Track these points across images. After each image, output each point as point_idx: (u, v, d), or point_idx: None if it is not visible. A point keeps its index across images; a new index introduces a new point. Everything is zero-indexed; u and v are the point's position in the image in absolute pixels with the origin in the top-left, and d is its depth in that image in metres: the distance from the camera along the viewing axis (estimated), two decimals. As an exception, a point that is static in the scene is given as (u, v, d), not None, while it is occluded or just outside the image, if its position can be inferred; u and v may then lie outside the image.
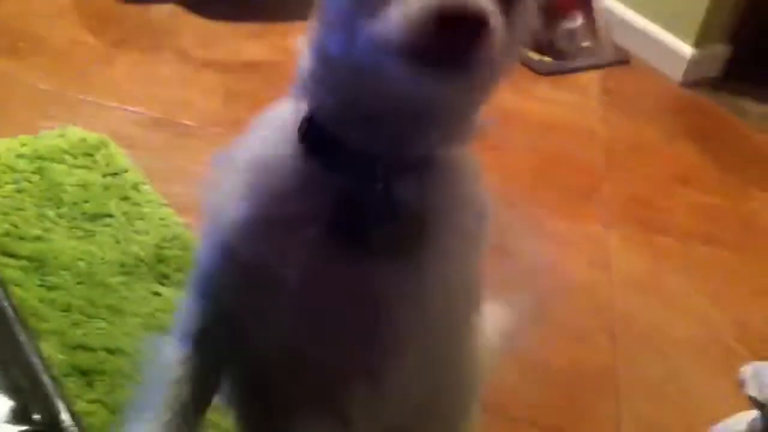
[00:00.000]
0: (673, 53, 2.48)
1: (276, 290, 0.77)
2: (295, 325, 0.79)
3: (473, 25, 0.62)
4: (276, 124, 0.79)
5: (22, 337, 0.79)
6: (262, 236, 0.77)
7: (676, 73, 2.47)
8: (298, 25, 0.77)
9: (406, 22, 0.62)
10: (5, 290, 0.82)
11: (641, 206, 2.01)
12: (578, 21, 2.47)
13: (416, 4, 0.62)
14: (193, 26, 2.29)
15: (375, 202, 0.74)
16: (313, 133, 0.75)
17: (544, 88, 2.37)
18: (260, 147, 0.79)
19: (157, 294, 1.38)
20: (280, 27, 2.28)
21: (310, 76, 0.74)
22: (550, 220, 1.90)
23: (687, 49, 2.45)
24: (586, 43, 2.50)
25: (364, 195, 0.74)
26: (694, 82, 2.48)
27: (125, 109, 1.91)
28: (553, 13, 2.41)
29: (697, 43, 2.44)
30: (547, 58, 2.43)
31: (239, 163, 0.80)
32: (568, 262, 1.79)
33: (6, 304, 0.81)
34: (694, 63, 2.46)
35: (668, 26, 2.48)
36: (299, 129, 0.76)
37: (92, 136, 1.72)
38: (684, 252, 1.89)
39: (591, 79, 2.46)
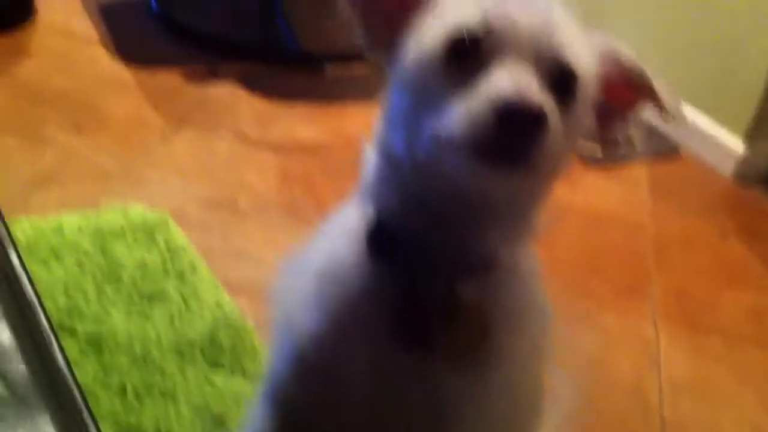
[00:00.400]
0: (723, 147, 2.46)
1: (345, 397, 0.79)
2: (362, 430, 0.80)
3: (533, 122, 0.64)
4: (343, 227, 0.81)
5: (90, 422, 0.80)
6: (333, 345, 0.78)
7: (727, 168, 2.45)
8: (353, 108, 0.80)
9: (467, 119, 0.65)
10: (73, 373, 0.84)
11: (690, 304, 1.98)
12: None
13: (477, 101, 0.65)
14: (251, 106, 2.34)
15: (439, 304, 0.75)
16: (379, 236, 0.77)
17: (591, 178, 2.37)
18: (328, 253, 0.81)
19: (209, 381, 1.39)
20: (335, 109, 2.31)
21: (375, 176, 0.77)
22: (598, 314, 1.89)
23: (738, 144, 2.44)
24: (633, 133, 2.50)
25: (429, 297, 0.75)
26: (745, 177, 2.45)
27: (182, 187, 1.95)
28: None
29: (749, 139, 2.43)
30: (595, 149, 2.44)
31: (309, 271, 0.81)
32: (615, 359, 1.78)
33: (75, 388, 0.83)
34: (745, 158, 2.44)
35: (719, 120, 2.47)
36: (365, 231, 0.78)
37: (153, 215, 1.75)
38: (733, 354, 1.85)
39: (639, 169, 2.45)
